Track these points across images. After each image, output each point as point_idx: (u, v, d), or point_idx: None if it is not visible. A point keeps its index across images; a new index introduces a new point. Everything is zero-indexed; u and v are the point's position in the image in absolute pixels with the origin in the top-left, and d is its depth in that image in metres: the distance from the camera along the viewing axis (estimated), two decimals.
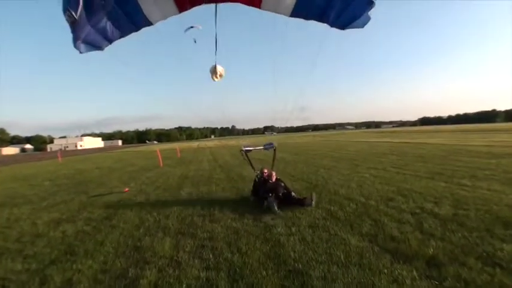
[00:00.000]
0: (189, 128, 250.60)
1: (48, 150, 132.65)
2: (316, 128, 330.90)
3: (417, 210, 6.50)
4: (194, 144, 77.61)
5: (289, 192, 7.64)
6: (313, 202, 7.16)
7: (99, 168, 22.54)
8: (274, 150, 9.15)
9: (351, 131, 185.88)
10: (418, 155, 17.70)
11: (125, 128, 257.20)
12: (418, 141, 32.60)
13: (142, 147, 79.47)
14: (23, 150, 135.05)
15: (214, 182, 11.83)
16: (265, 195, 7.33)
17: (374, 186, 9.33)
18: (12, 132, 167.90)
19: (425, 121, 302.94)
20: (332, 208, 7.02)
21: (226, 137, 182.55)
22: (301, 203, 7.20)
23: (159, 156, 23.48)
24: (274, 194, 7.32)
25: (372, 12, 5.23)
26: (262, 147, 9.13)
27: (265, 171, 8.50)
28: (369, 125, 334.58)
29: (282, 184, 7.88)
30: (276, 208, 6.82)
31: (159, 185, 12.00)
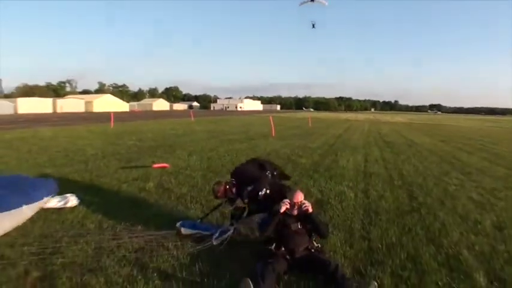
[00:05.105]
0: (349, 99, 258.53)
1: (211, 109, 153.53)
2: (491, 111, 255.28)
3: None
4: (344, 115, 74.76)
5: (318, 252, 3.64)
6: None
7: (209, 131, 22.24)
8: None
9: None
10: None
11: (285, 94, 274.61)
12: None
13: (290, 114, 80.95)
14: (190, 107, 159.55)
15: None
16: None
17: None
18: (185, 90, 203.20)
19: None
20: None
21: (386, 111, 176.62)
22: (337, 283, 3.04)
23: (272, 125, 21.30)
24: (283, 250, 3.55)
25: None
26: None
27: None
28: None
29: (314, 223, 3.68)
30: None
31: (215, 166, 9.63)
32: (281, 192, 4.34)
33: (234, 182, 4.65)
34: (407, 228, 4.74)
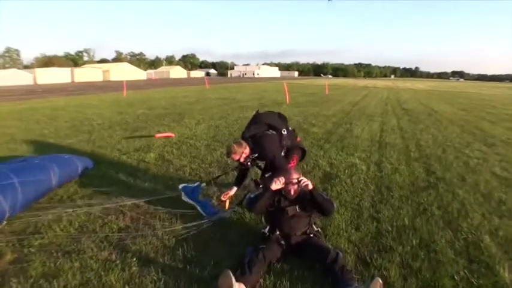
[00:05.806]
0: (368, 65, 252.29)
1: (228, 76, 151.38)
2: None
3: None
4: (362, 82, 72.39)
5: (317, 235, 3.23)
6: None
7: (222, 98, 21.65)
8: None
9: None
10: None
11: (303, 61, 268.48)
12: None
13: (307, 81, 78.94)
14: (208, 74, 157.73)
15: None
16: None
17: None
18: (202, 58, 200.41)
19: None
20: None
21: (407, 78, 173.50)
22: (336, 276, 2.64)
23: (286, 92, 20.49)
24: (279, 234, 3.11)
25: None
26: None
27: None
28: None
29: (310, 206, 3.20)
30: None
31: (221, 135, 9.25)
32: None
33: (255, 156, 3.95)
34: (422, 208, 4.22)
